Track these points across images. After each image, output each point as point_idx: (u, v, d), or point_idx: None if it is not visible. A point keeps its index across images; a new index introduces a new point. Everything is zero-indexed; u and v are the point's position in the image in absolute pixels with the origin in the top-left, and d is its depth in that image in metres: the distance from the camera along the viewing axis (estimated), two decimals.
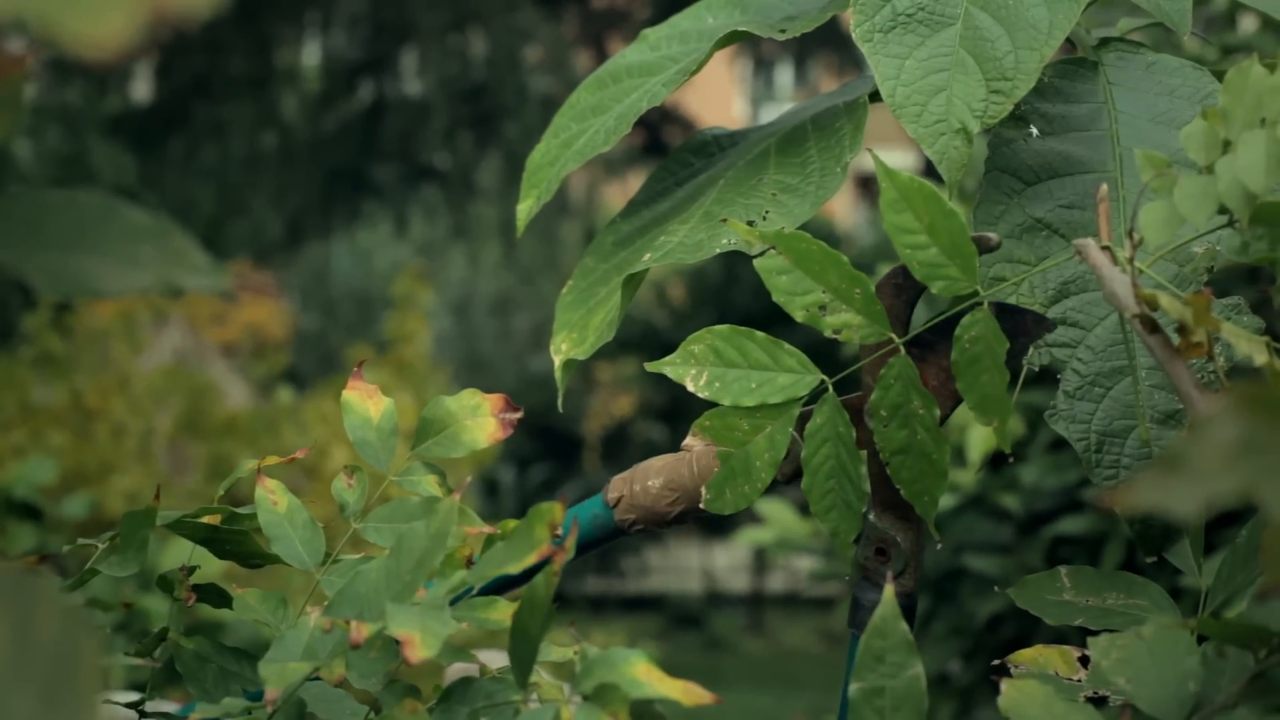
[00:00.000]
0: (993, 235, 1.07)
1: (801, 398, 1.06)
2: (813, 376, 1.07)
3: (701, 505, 1.13)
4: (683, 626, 13.56)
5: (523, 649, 0.76)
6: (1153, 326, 0.94)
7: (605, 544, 1.22)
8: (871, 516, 1.12)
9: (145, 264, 0.53)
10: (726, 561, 15.83)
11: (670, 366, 1.07)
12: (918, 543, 1.13)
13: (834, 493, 1.07)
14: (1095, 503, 1.06)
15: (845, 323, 1.04)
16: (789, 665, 12.43)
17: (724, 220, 1.16)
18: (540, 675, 0.80)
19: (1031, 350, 1.08)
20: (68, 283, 0.52)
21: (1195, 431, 0.58)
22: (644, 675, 0.73)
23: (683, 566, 15.88)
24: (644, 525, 1.21)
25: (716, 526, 15.22)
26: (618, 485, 1.21)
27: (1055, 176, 1.16)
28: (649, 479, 1.19)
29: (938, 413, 1.05)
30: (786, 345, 1.09)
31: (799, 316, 1.05)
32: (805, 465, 1.07)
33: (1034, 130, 1.18)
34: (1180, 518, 0.91)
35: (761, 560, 14.59)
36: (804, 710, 9.84)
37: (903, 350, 1.06)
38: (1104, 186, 1.00)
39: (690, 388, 1.08)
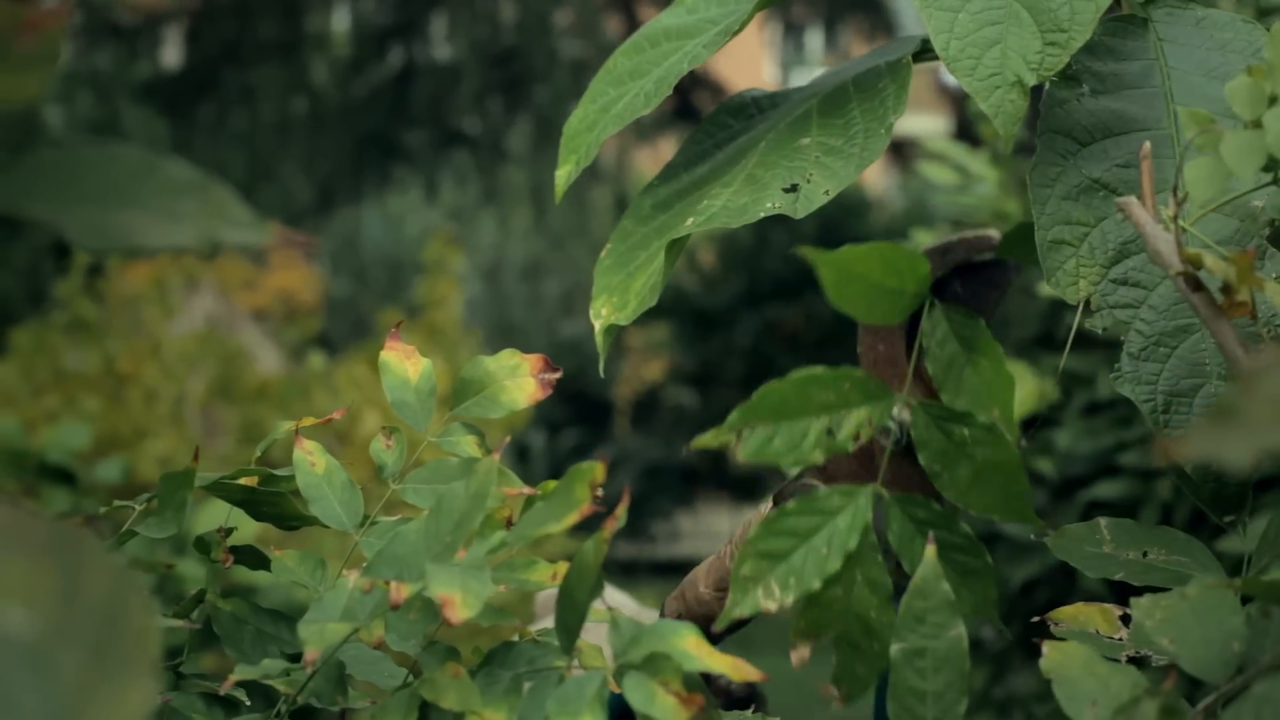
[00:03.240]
0: (993, 233, 1.06)
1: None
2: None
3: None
4: None
5: (570, 615, 0.76)
6: (1196, 284, 0.92)
7: None
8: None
9: (186, 218, 0.52)
10: None
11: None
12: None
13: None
14: (1155, 456, 1.03)
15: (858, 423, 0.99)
16: None
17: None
18: (582, 640, 0.80)
19: (1088, 314, 1.07)
20: (108, 237, 0.52)
21: (1245, 384, 0.58)
22: (694, 648, 0.73)
23: (713, 531, 15.89)
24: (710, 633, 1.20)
25: (747, 490, 15.23)
26: (672, 606, 1.21)
27: (1110, 136, 1.15)
28: (699, 588, 1.19)
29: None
30: None
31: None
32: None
33: (1086, 89, 1.16)
34: (1233, 468, 0.90)
35: None
36: (832, 676, 9.84)
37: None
38: (1146, 145, 0.99)
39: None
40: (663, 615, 1.21)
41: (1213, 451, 0.54)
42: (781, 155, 1.21)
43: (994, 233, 1.07)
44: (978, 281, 1.05)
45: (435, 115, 11.99)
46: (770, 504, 1.15)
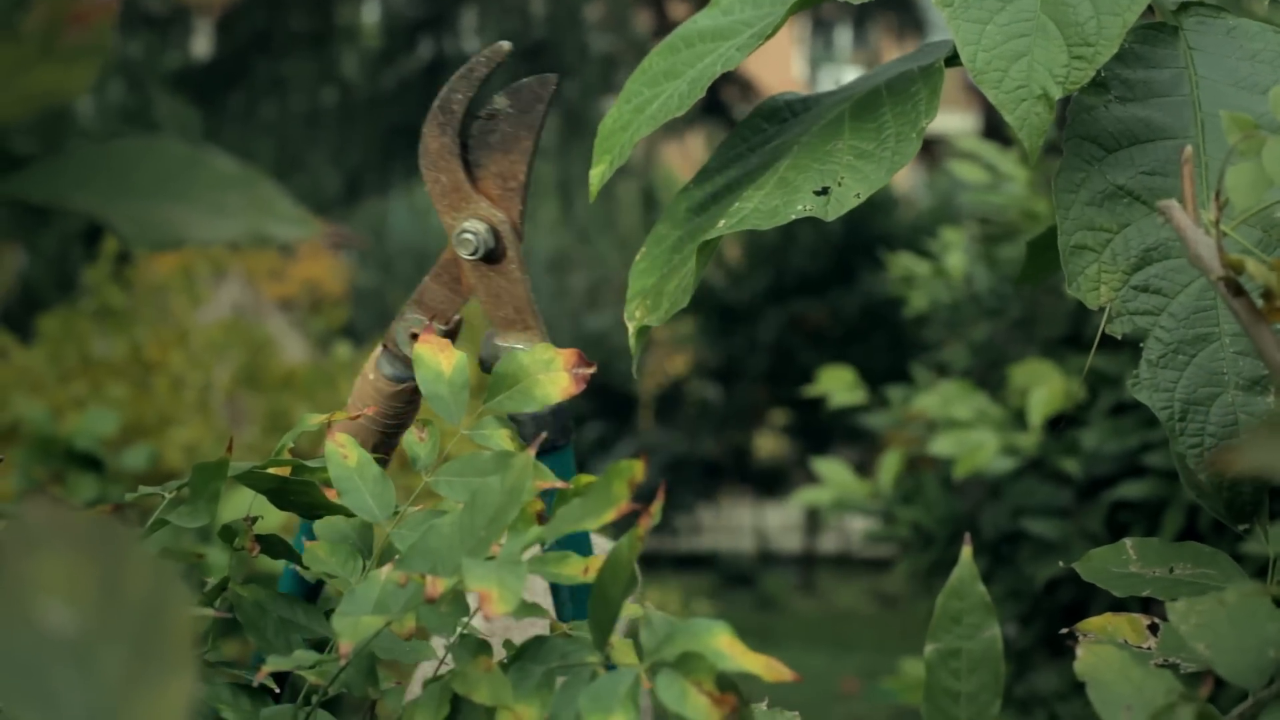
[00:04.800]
0: (504, 44, 1.17)
1: None
2: None
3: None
4: (735, 585, 13.58)
5: (603, 611, 0.76)
6: (1237, 290, 0.92)
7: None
8: (496, 340, 1.17)
9: (232, 213, 0.52)
10: (779, 521, 15.83)
11: None
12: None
13: None
14: (1195, 476, 1.05)
15: None
16: (840, 626, 12.43)
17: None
18: (614, 636, 0.80)
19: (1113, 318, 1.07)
20: (155, 232, 0.52)
21: None
22: (727, 648, 0.73)
23: (735, 526, 15.90)
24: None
25: (769, 485, 15.23)
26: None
27: (1136, 143, 1.15)
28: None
29: None
30: None
31: None
32: None
33: (1114, 95, 1.16)
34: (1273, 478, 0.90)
35: (814, 520, 14.58)
36: (855, 671, 9.84)
37: None
38: (1188, 148, 0.99)
39: None
40: None
41: (1266, 462, 0.53)
42: (814, 158, 1.21)
43: (505, 44, 1.16)
44: (523, 98, 1.13)
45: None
46: (380, 349, 1.22)
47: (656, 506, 0.76)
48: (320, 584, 1.23)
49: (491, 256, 1.13)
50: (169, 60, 12.03)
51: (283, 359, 6.78)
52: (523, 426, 1.15)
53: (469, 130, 1.14)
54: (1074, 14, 1.11)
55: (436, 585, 0.77)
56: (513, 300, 1.14)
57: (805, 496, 4.54)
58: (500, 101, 1.13)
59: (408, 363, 1.19)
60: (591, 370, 0.99)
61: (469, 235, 1.12)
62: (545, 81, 1.12)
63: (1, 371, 5.70)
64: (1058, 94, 1.10)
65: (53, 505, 0.48)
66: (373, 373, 1.21)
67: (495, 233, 1.13)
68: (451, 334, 1.19)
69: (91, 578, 0.45)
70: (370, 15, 13.16)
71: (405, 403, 1.21)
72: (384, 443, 1.23)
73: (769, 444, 15.75)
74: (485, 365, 1.16)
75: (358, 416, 1.18)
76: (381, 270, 16.57)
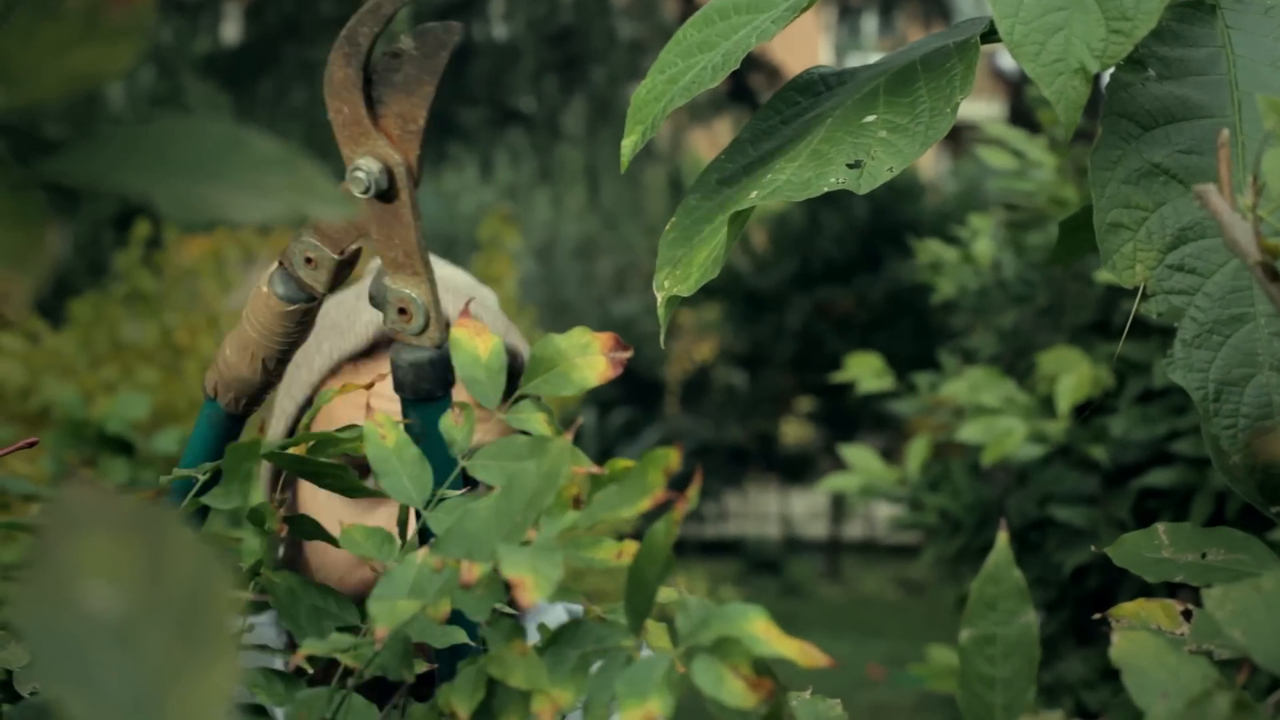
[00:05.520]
0: None
1: None
2: None
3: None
4: (761, 572, 13.60)
5: (639, 597, 0.76)
6: (1273, 275, 0.91)
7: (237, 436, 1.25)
8: (386, 280, 1.14)
9: (273, 192, 0.52)
10: (805, 508, 15.84)
11: None
12: (433, 295, 1.14)
13: None
14: (1227, 459, 1.04)
15: None
16: (865, 612, 12.44)
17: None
18: (649, 621, 0.80)
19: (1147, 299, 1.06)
20: (196, 211, 0.52)
21: None
22: (763, 632, 0.72)
23: (761, 512, 15.91)
24: (248, 398, 1.24)
25: (796, 471, 15.23)
26: (209, 376, 1.25)
27: (1173, 121, 1.14)
28: (225, 353, 1.23)
29: None
30: None
31: None
32: None
33: (1152, 73, 1.15)
34: None
35: (840, 507, 14.59)
36: (880, 658, 9.84)
37: None
38: (1225, 132, 0.98)
39: None
40: (204, 390, 1.25)
41: None
42: (847, 131, 1.21)
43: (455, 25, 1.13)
44: (429, 42, 1.10)
45: (492, 94, 12.01)
46: (276, 266, 1.20)
47: (693, 491, 0.76)
48: (240, 419, 1.24)
49: (384, 196, 1.11)
50: (199, 45, 12.06)
51: None
52: (401, 372, 1.13)
53: (372, 66, 1.13)
54: None
55: (472, 570, 0.76)
56: (403, 243, 1.12)
57: (831, 483, 4.53)
58: (406, 42, 1.11)
59: (300, 284, 1.18)
60: (629, 354, 0.98)
61: (360, 173, 1.10)
62: (450, 29, 1.10)
63: (33, 356, 5.72)
64: (1095, 68, 1.09)
65: (93, 487, 0.48)
66: (265, 287, 1.20)
67: (390, 173, 1.11)
68: (348, 263, 1.18)
69: (135, 560, 0.45)
70: None
71: (296, 324, 1.20)
72: (275, 361, 1.22)
73: (795, 430, 15.76)
74: (374, 301, 1.15)
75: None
76: None
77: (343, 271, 1.18)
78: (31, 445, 1.15)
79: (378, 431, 0.93)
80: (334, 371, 1.62)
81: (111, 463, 4.13)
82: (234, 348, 1.23)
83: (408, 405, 1.14)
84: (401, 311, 1.13)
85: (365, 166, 1.10)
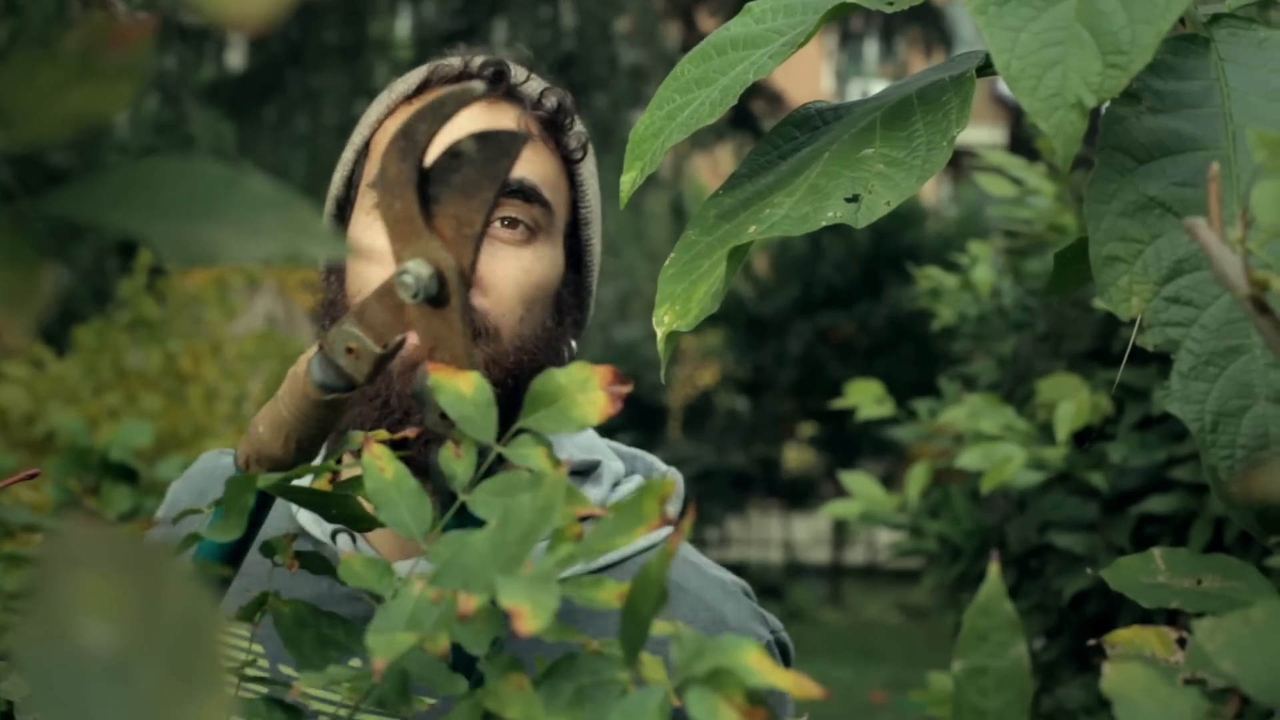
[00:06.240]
0: (476, 85, 1.06)
1: None
2: None
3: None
4: (763, 597, 13.50)
5: (633, 630, 0.76)
6: (1263, 307, 0.92)
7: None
8: (430, 382, 1.06)
9: (268, 233, 0.53)
10: (807, 533, 15.83)
11: None
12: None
13: None
14: (1226, 489, 1.05)
15: None
16: (867, 637, 12.43)
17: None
18: (644, 653, 0.80)
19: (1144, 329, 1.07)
20: (192, 250, 0.52)
21: None
22: (756, 663, 0.73)
23: (764, 538, 15.90)
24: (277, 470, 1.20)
25: (798, 497, 15.22)
26: (241, 448, 1.21)
27: (1168, 154, 1.14)
28: (258, 429, 1.19)
29: None
30: None
31: None
32: None
33: (1146, 106, 1.16)
34: None
35: (841, 532, 14.58)
36: (882, 683, 9.83)
37: None
38: (1215, 165, 0.99)
39: None
40: (235, 461, 1.21)
41: None
42: (844, 166, 1.21)
43: (478, 85, 1.06)
44: (491, 147, 1.05)
45: None
46: (317, 350, 1.15)
47: (687, 524, 0.77)
48: (244, 544, 1.19)
49: (434, 301, 1.06)
50: (203, 73, 12.10)
51: None
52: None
53: (428, 165, 1.07)
54: (1108, 23, 1.10)
55: (469, 602, 0.77)
56: (450, 349, 1.06)
57: (832, 509, 4.53)
58: (468, 145, 1.05)
59: (340, 372, 1.13)
60: (628, 388, 0.97)
61: (408, 277, 1.05)
62: (516, 137, 1.04)
63: (37, 383, 5.73)
64: (1092, 102, 1.10)
65: (91, 522, 0.48)
66: (304, 370, 1.15)
67: (440, 277, 1.05)
68: (388, 356, 1.12)
69: (130, 596, 0.45)
70: (402, 28, 13.20)
71: (332, 411, 1.16)
72: (310, 442, 1.17)
73: (797, 456, 15.76)
74: (417, 398, 1.07)
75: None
76: None
77: (384, 364, 1.13)
78: (32, 477, 1.15)
79: (376, 464, 0.94)
80: (390, 112, 1.61)
81: (114, 490, 4.13)
82: (267, 425, 1.19)
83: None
84: (444, 416, 1.06)
85: (415, 270, 1.05)
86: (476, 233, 1.06)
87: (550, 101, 1.59)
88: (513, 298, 1.51)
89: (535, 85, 1.60)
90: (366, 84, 12.03)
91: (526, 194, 1.54)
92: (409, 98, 1.60)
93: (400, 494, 0.93)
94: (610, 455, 1.64)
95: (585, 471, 1.60)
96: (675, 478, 1.57)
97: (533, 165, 1.56)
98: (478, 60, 1.59)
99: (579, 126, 1.62)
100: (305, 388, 1.15)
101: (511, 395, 1.40)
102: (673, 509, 1.57)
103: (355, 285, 1.53)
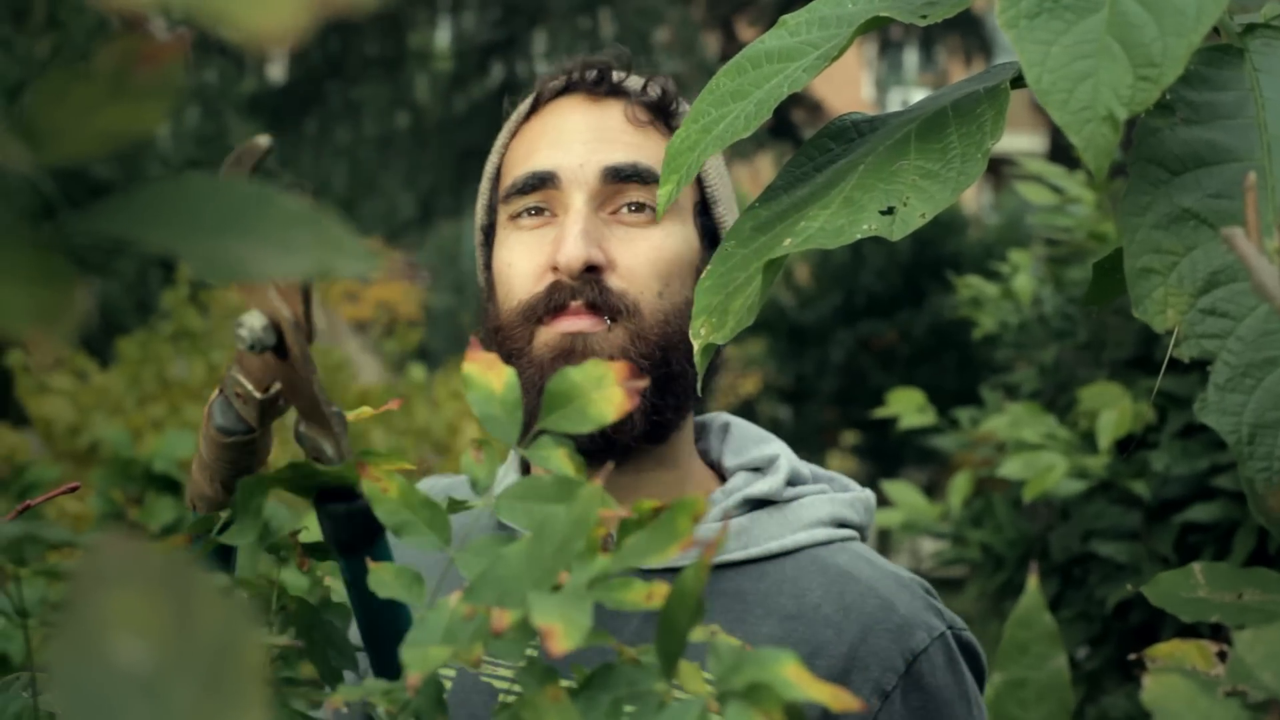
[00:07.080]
0: (262, 140, 1.04)
1: None
2: None
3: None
4: None
5: (670, 641, 0.76)
6: None
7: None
8: (301, 428, 1.09)
9: (301, 249, 0.53)
10: None
11: None
12: (340, 449, 1.09)
13: None
14: (1263, 501, 1.04)
15: None
16: None
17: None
18: (681, 662, 0.80)
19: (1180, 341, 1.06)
20: (225, 268, 0.53)
21: None
22: (795, 677, 0.72)
23: None
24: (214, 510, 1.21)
25: None
26: (189, 490, 1.23)
27: (1202, 165, 1.14)
28: (193, 469, 1.21)
29: None
30: None
31: None
32: None
33: (1179, 118, 1.15)
34: None
35: (885, 541, 14.54)
36: None
37: None
38: (1252, 175, 0.98)
39: None
40: (187, 500, 1.23)
41: None
42: (879, 178, 1.21)
43: (263, 139, 1.04)
44: (228, 164, 1.03)
45: None
46: (218, 392, 1.16)
47: (723, 535, 0.77)
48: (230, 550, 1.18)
49: (277, 351, 1.06)
50: (244, 86, 12.17)
51: (358, 380, 6.82)
52: (322, 525, 1.09)
53: None
54: (1139, 35, 1.10)
55: (503, 618, 0.77)
56: (304, 397, 1.07)
57: (876, 518, 4.52)
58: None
59: (238, 416, 1.14)
60: (645, 383, 0.95)
61: (243, 331, 1.04)
62: (248, 148, 1.03)
63: (81, 394, 5.76)
64: (1123, 115, 1.09)
65: (126, 538, 0.48)
66: (206, 416, 1.17)
67: (276, 329, 1.05)
68: (271, 401, 1.12)
69: (164, 613, 0.46)
70: (442, 40, 13.25)
71: (241, 454, 1.16)
72: (234, 480, 1.15)
73: (839, 464, 15.72)
74: (299, 442, 1.09)
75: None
76: (454, 293, 16.63)
77: (270, 409, 1.13)
78: (73, 490, 1.16)
79: (378, 488, 0.93)
80: (514, 134, 1.68)
81: (158, 501, 4.15)
82: (196, 466, 1.20)
83: (336, 557, 1.10)
84: (317, 459, 1.09)
85: (248, 322, 1.05)
86: (297, 283, 1.05)
87: (654, 90, 1.64)
88: (648, 275, 1.56)
89: (636, 80, 1.66)
90: (406, 95, 12.08)
91: (643, 177, 1.58)
92: (526, 117, 1.66)
93: (412, 510, 0.93)
94: (790, 453, 1.75)
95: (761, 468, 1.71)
96: (868, 495, 1.78)
97: (645, 150, 1.60)
98: (579, 65, 1.65)
99: (686, 107, 1.65)
100: (209, 430, 1.16)
101: (660, 366, 1.51)
102: (859, 517, 1.64)
103: (498, 300, 1.60)
